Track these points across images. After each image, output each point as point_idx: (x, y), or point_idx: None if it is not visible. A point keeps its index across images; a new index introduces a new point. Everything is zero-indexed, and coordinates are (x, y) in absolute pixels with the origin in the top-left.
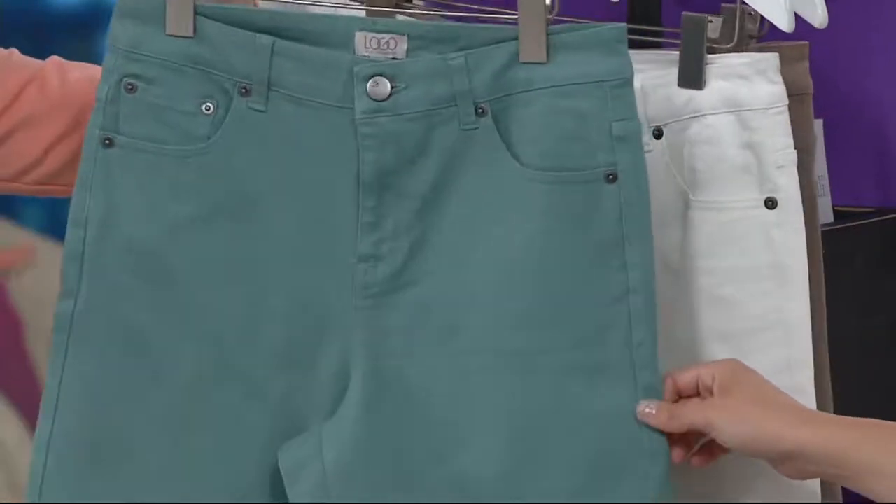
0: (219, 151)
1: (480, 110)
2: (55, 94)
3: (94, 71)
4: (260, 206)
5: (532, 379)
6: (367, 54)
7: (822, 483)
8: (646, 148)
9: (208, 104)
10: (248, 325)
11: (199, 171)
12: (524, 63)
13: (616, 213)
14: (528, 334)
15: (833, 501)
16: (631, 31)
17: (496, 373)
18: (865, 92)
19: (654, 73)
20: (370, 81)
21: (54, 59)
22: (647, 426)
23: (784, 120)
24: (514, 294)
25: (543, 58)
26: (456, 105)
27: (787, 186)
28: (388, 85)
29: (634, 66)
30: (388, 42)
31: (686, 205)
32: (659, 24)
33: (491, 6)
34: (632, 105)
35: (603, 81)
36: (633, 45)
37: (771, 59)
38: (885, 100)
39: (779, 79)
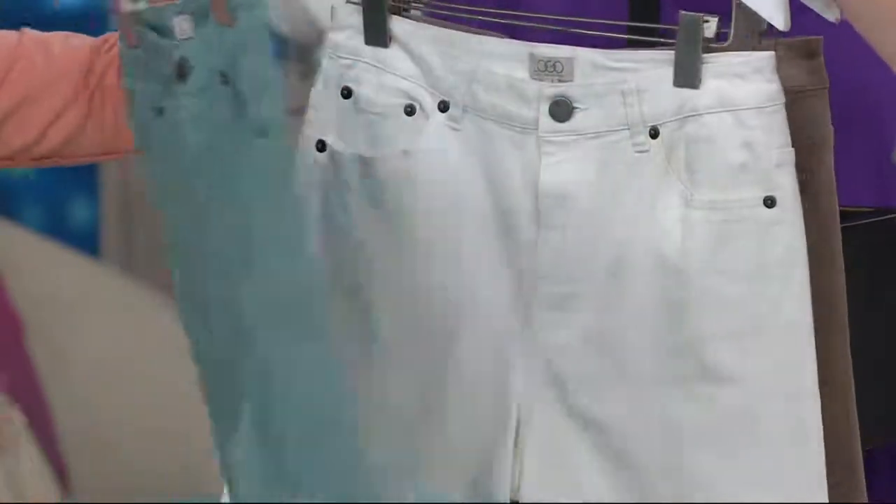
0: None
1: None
2: (43, 71)
3: (74, 39)
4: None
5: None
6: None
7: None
8: (642, 147)
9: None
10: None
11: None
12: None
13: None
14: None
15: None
16: (630, 30)
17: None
18: (865, 91)
19: (650, 73)
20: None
21: (29, 34)
22: None
23: (781, 118)
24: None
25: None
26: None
27: (786, 185)
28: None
29: (630, 64)
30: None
31: (686, 204)
32: (657, 23)
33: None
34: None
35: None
36: (633, 44)
37: (767, 58)
38: (884, 99)
39: (775, 77)
